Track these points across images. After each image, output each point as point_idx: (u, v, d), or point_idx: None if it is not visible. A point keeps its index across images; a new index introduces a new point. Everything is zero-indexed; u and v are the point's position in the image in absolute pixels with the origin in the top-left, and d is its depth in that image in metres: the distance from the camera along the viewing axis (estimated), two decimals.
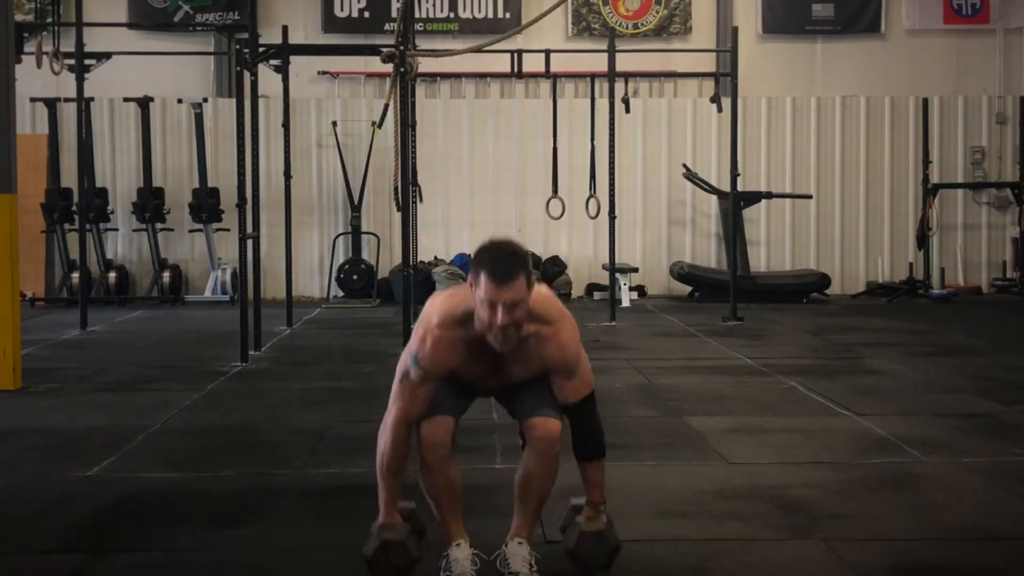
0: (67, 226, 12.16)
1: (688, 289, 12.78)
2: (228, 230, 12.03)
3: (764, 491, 4.46)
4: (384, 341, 9.11)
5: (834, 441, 5.40)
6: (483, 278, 3.09)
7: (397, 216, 9.82)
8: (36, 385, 7.00)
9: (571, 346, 3.29)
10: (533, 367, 3.28)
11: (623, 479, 4.65)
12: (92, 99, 11.92)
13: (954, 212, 13.43)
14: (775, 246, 13.41)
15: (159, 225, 12.50)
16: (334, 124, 12.92)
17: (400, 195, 8.94)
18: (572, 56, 12.35)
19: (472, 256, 3.20)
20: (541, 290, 3.31)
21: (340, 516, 4.19)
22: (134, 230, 12.71)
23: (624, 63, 10.94)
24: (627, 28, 13.56)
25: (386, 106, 9.71)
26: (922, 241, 12.93)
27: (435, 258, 12.82)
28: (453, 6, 13.49)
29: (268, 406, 6.41)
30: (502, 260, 3.12)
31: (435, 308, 3.28)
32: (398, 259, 10.97)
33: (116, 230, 12.86)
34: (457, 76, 13.31)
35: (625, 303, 11.89)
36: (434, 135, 13.04)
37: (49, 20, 11.21)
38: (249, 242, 8.40)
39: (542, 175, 12.36)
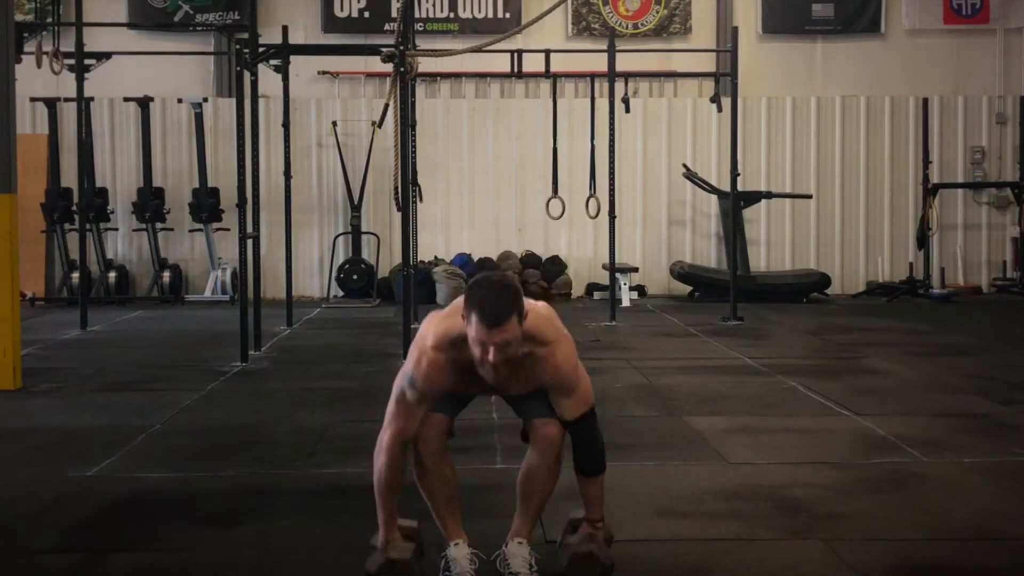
0: (67, 226, 12.16)
1: (688, 289, 12.77)
2: (228, 230, 12.03)
3: (764, 491, 4.46)
4: (384, 341, 9.12)
5: (834, 441, 5.40)
6: (474, 319, 3.09)
7: (397, 216, 9.82)
8: (36, 385, 7.00)
9: (566, 367, 3.27)
10: (529, 386, 3.29)
11: (623, 479, 4.65)
12: (92, 99, 11.92)
13: (954, 212, 13.43)
14: (775, 246, 13.41)
15: (159, 225, 12.50)
16: (334, 124, 12.92)
17: (400, 195, 8.94)
18: (572, 56, 12.35)
19: (466, 290, 3.18)
20: (539, 309, 3.30)
21: (340, 516, 4.19)
22: (134, 230, 12.71)
23: (624, 63, 10.94)
24: (627, 28, 13.56)
25: (386, 106, 9.71)
26: (922, 241, 12.93)
27: (435, 258, 12.82)
28: (453, 6, 13.49)
29: (268, 406, 6.41)
30: (493, 301, 3.10)
31: (430, 329, 3.28)
32: (398, 259, 10.96)
33: (116, 230, 12.87)
34: (457, 76, 13.32)
35: (625, 303, 11.89)
36: (434, 135, 13.04)
37: (49, 20, 11.20)
38: (249, 242, 8.40)
39: (542, 175, 12.37)
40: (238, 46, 8.75)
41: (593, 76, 11.65)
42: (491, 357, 3.09)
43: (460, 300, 3.21)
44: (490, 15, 13.48)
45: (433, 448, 3.31)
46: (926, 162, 13.10)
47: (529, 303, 3.23)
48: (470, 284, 3.19)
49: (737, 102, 10.67)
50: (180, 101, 12.74)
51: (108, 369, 7.75)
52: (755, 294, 12.08)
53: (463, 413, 3.49)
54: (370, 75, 13.48)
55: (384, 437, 3.31)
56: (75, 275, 11.78)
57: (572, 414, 3.30)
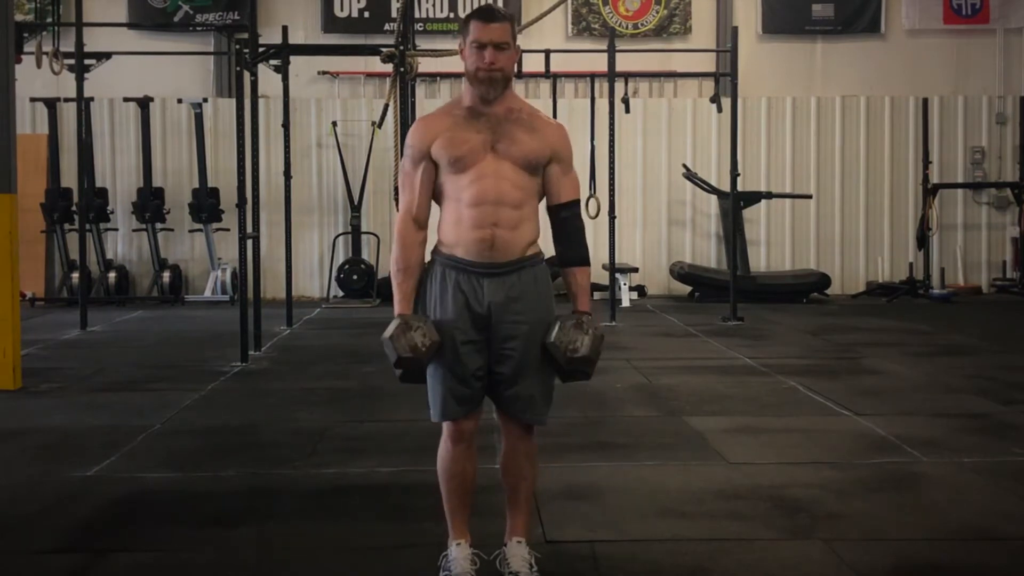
0: (67, 226, 12.16)
1: (688, 289, 12.77)
2: (228, 230, 12.03)
3: (764, 491, 4.46)
4: None
5: (834, 441, 5.40)
6: (471, 24, 3.25)
7: (397, 216, 9.81)
8: (36, 385, 7.00)
9: (566, 140, 3.38)
10: (530, 142, 3.27)
11: (623, 479, 4.65)
12: (92, 99, 11.92)
13: (954, 212, 13.43)
14: (775, 246, 13.41)
15: (159, 225, 12.50)
16: (334, 124, 12.92)
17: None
18: (572, 56, 12.36)
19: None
20: None
21: (340, 516, 4.19)
22: (134, 230, 12.72)
23: (624, 63, 10.95)
24: (627, 28, 13.56)
25: (386, 106, 9.72)
26: (922, 241, 12.93)
27: None
28: (453, 6, 13.49)
29: (268, 406, 6.41)
30: (488, 7, 3.33)
31: None
32: None
33: (116, 230, 12.87)
34: (457, 76, 13.28)
35: (625, 303, 11.89)
36: None
37: (49, 20, 11.21)
38: (249, 242, 8.40)
39: None
40: (238, 46, 8.75)
41: (593, 76, 11.65)
42: (486, 58, 3.19)
43: None
44: None
45: (464, 440, 3.33)
46: (926, 162, 13.11)
47: None
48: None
49: (737, 102, 10.67)
50: (180, 101, 12.73)
51: (108, 369, 7.75)
52: (755, 294, 12.08)
53: None
54: (370, 75, 13.48)
55: (397, 218, 3.45)
56: (75, 275, 11.78)
57: (570, 195, 3.38)
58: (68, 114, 12.13)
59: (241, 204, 8.35)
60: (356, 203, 12.74)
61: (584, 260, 3.42)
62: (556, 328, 3.29)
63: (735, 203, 11.89)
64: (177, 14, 13.36)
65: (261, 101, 9.26)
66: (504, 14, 3.29)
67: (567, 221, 3.38)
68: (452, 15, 13.46)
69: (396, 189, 9.11)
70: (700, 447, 5.27)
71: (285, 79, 10.07)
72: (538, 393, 3.33)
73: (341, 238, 13.03)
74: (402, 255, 3.37)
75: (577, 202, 3.41)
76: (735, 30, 10.75)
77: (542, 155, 3.29)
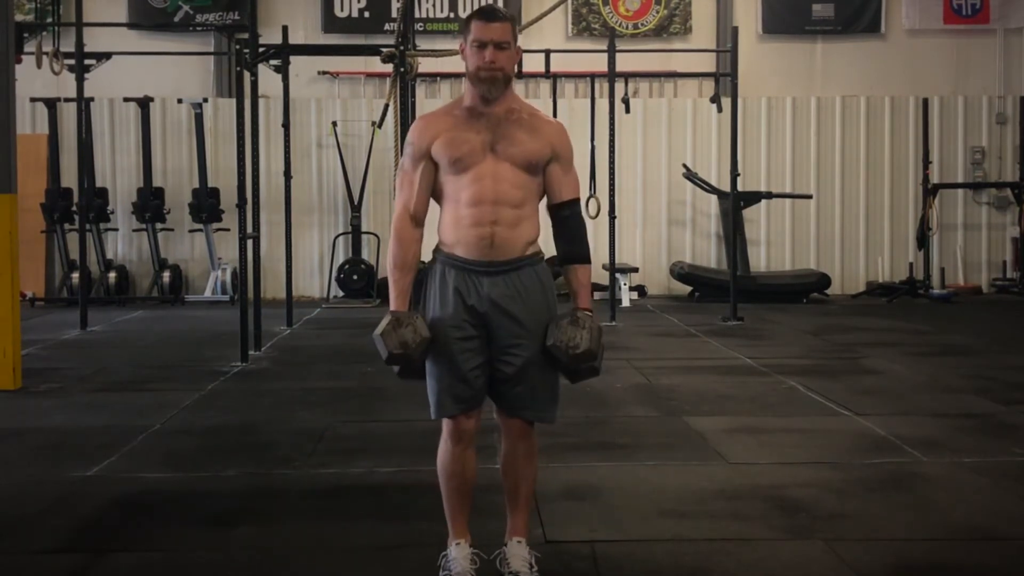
0: (67, 226, 12.16)
1: (688, 289, 12.77)
2: (228, 230, 12.03)
3: (764, 491, 4.46)
4: None
5: (834, 441, 5.40)
6: (472, 23, 3.28)
7: (395, 213, 9.81)
8: (36, 385, 7.00)
9: (567, 141, 3.39)
10: (530, 143, 3.29)
11: (623, 479, 4.66)
12: (92, 99, 11.92)
13: (954, 212, 13.43)
14: (775, 246, 13.41)
15: (159, 225, 12.50)
16: (334, 124, 12.92)
17: None
18: (572, 56, 12.35)
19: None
20: None
21: (340, 516, 4.19)
22: (134, 230, 12.71)
23: (624, 63, 10.95)
24: (627, 28, 13.56)
25: (386, 106, 9.73)
26: (922, 241, 12.93)
27: None
28: (453, 6, 13.49)
29: (268, 406, 6.42)
30: (489, 8, 3.38)
31: None
32: None
33: (116, 230, 12.87)
34: (457, 76, 13.29)
35: (625, 303, 11.89)
36: None
37: (49, 20, 11.21)
38: (249, 242, 8.40)
39: None
40: (238, 46, 8.75)
41: (593, 76, 11.65)
42: (488, 56, 3.22)
43: None
44: None
45: (463, 440, 3.33)
46: (926, 162, 13.11)
47: None
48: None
49: (737, 102, 10.67)
50: (180, 101, 12.73)
51: (108, 369, 7.75)
52: (755, 294, 12.07)
53: None
54: (370, 75, 13.48)
55: (394, 216, 3.48)
56: (75, 275, 11.78)
57: (571, 193, 3.40)
58: (68, 114, 12.13)
59: (241, 204, 8.35)
60: (356, 203, 12.74)
61: (585, 257, 3.44)
62: (553, 328, 3.29)
63: (735, 203, 11.88)
64: (177, 14, 13.36)
65: (261, 101, 9.26)
66: (505, 14, 3.33)
67: (568, 220, 3.41)
68: (452, 15, 13.46)
69: (396, 189, 9.13)
70: (700, 447, 5.27)
71: (285, 79, 10.07)
72: (540, 390, 3.33)
73: (341, 238, 13.03)
74: (399, 252, 3.40)
75: (577, 201, 3.43)
76: (735, 30, 10.76)
77: (542, 155, 3.30)
